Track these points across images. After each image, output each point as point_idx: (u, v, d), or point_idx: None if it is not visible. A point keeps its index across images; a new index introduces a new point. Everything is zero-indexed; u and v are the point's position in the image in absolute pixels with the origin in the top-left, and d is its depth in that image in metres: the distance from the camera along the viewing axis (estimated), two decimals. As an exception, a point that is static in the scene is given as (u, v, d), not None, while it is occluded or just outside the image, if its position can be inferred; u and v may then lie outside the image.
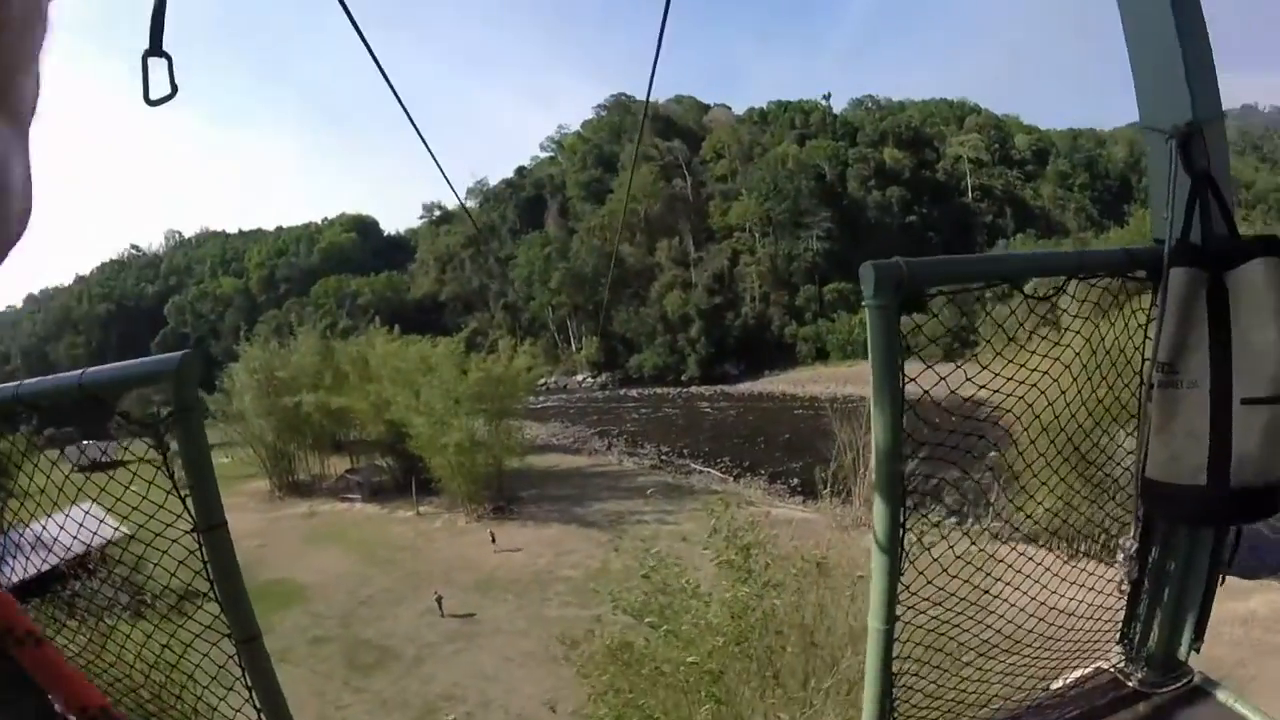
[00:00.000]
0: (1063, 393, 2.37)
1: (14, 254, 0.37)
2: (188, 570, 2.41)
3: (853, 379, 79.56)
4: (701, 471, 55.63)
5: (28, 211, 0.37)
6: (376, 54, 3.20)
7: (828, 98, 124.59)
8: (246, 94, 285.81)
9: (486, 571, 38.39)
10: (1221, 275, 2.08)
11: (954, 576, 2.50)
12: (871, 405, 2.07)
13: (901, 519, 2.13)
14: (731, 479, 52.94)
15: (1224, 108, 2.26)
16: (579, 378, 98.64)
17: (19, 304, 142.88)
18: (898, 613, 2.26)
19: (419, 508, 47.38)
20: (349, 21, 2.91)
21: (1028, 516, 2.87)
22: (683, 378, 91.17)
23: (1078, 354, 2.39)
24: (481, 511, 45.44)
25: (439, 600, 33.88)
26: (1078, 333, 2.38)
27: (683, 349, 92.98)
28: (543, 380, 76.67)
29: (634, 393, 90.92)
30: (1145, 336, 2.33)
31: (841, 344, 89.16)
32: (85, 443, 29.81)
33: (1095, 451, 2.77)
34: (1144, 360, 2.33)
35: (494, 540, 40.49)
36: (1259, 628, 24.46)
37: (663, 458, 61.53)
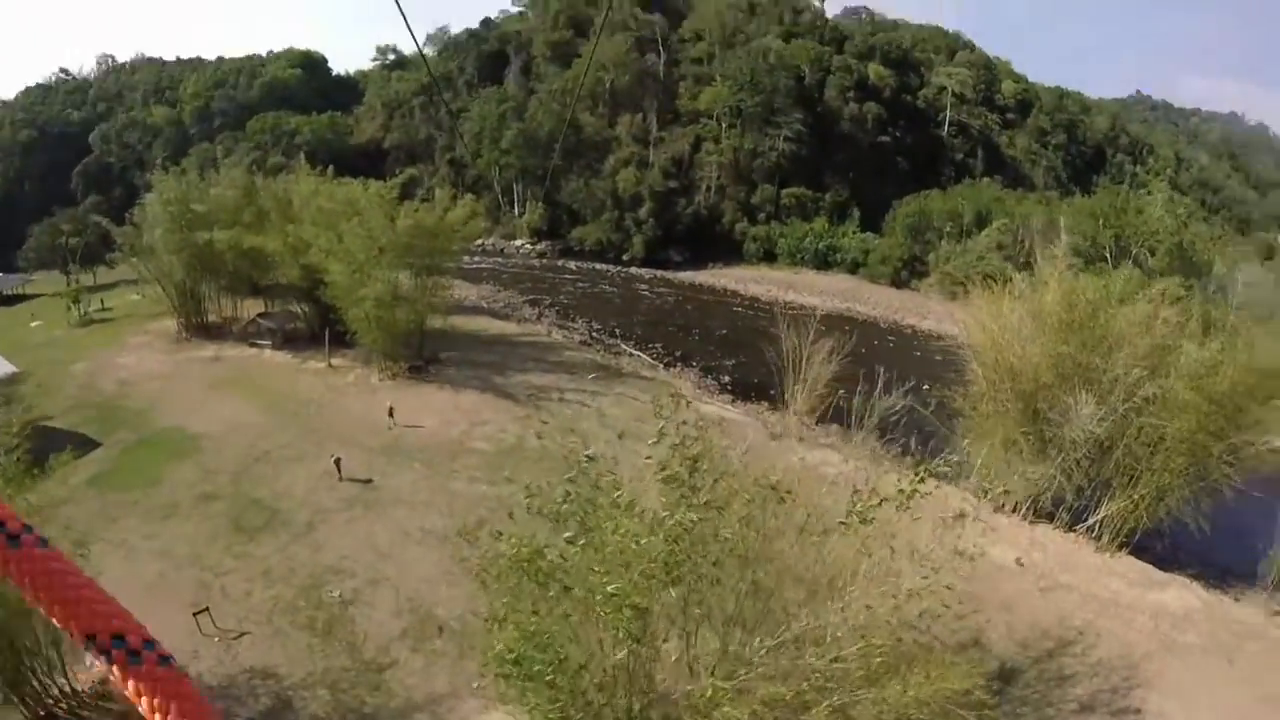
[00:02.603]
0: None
1: None
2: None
3: (797, 285, 78.69)
4: (632, 354, 54.16)
5: None
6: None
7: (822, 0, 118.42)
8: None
9: (394, 435, 36.51)
10: None
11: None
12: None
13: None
14: (662, 366, 51.71)
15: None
16: (518, 243, 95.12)
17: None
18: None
19: (331, 360, 45.01)
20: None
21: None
22: (624, 257, 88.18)
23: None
24: (397, 370, 43.41)
25: (337, 463, 31.98)
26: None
27: (629, 228, 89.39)
28: (480, 240, 74.68)
29: (573, 265, 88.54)
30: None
31: (791, 249, 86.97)
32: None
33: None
34: None
35: (391, 415, 37.51)
36: (1168, 622, 25.24)
37: (594, 334, 60.12)
